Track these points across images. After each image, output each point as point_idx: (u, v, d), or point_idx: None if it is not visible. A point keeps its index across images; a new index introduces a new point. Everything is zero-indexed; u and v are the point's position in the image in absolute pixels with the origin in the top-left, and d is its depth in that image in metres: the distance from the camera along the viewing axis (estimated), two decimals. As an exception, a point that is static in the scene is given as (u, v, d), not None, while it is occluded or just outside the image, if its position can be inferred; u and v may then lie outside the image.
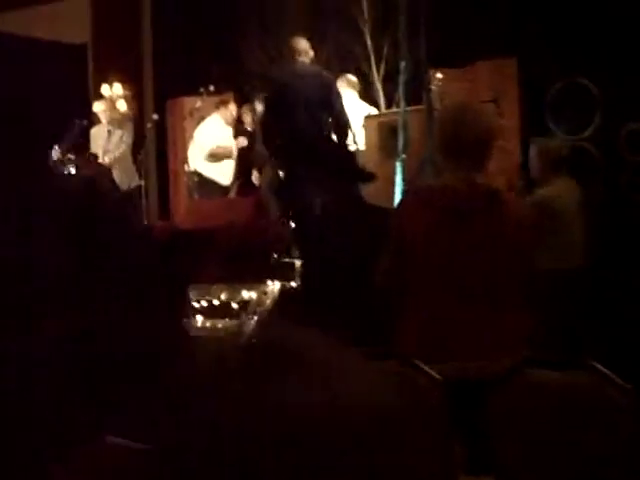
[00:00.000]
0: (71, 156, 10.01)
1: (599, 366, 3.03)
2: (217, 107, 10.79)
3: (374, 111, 10.12)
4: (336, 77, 9.48)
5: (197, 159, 10.62)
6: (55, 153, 10.11)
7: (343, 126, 8.15)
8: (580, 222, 6.25)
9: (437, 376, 3.39)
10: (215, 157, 10.60)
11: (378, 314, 4.57)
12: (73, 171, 9.58)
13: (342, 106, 8.14)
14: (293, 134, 7.82)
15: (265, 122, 8.40)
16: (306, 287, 5.36)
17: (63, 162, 9.87)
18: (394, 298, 3.80)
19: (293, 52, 8.18)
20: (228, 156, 10.68)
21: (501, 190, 4.17)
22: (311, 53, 8.32)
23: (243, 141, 10.78)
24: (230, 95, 11.48)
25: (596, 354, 3.19)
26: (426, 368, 3.39)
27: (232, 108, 10.87)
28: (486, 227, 3.65)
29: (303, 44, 8.25)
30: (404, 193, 4.00)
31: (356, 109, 9.88)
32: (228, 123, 10.83)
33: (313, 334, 1.06)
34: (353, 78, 10.16)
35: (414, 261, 3.68)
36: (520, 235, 3.71)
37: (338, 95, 8.19)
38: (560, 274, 5.81)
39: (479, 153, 3.76)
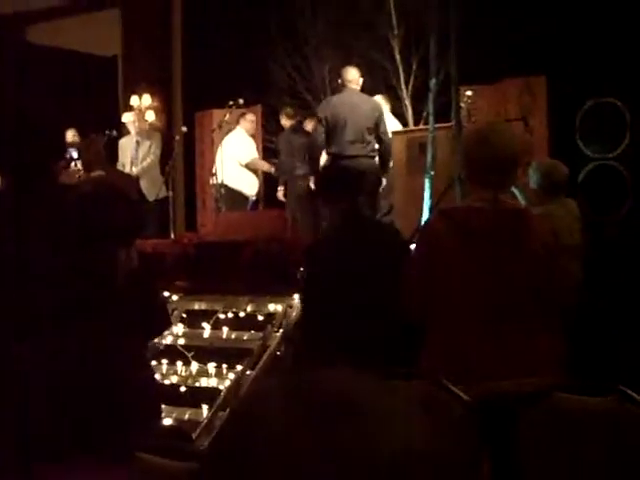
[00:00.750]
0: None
1: (629, 391, 3.02)
2: (237, 120, 10.87)
3: (399, 126, 10.16)
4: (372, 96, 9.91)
5: (223, 171, 10.67)
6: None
7: (387, 144, 8.95)
8: (577, 239, 6.21)
9: (465, 396, 3.39)
10: (250, 167, 10.67)
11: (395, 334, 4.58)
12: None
13: (385, 126, 8.99)
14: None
15: (314, 143, 9.09)
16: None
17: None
18: (420, 319, 3.80)
19: (344, 81, 8.99)
20: (260, 168, 10.74)
21: (526, 209, 4.18)
22: (360, 81, 9.06)
23: (264, 164, 10.93)
24: (257, 108, 11.56)
25: (626, 379, 3.18)
26: (454, 388, 3.39)
27: (251, 119, 10.93)
28: (513, 247, 3.65)
29: (354, 73, 9.03)
30: (431, 214, 4.01)
31: (391, 126, 9.98)
32: (250, 134, 10.90)
33: (362, 379, 1.07)
34: (384, 98, 10.24)
35: (442, 282, 3.67)
36: (547, 254, 3.71)
37: (383, 118, 9.00)
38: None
39: (505, 174, 3.76)
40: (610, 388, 3.09)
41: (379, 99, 9.90)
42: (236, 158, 10.73)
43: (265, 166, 11.17)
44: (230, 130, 11.01)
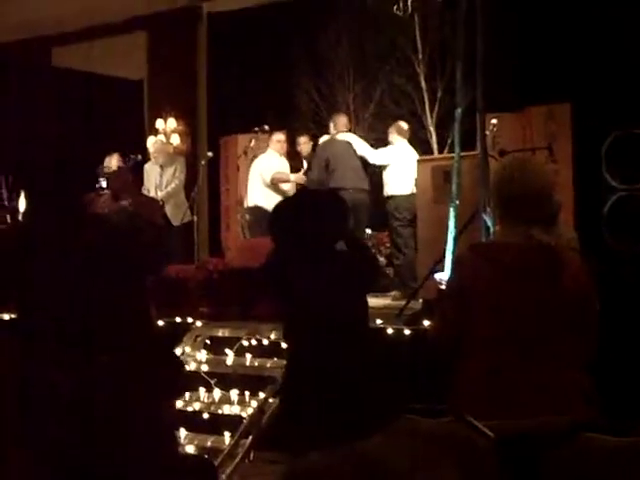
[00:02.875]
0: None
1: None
2: (269, 143, 10.84)
3: (415, 156, 10.17)
4: (388, 125, 10.71)
5: (255, 192, 10.64)
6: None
7: None
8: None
9: (490, 433, 3.37)
10: (275, 182, 10.63)
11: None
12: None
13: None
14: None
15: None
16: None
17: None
18: (449, 354, 3.78)
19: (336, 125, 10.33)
20: (286, 180, 10.70)
21: (558, 245, 4.16)
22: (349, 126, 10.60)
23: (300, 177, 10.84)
24: (283, 133, 11.56)
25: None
26: (479, 425, 3.37)
27: (278, 139, 10.88)
28: (546, 282, 3.64)
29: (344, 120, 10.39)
30: (458, 247, 3.95)
31: (407, 155, 10.02)
32: (282, 155, 10.86)
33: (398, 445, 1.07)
34: (404, 125, 10.29)
35: (474, 317, 3.67)
36: (579, 291, 3.69)
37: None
38: None
39: (536, 208, 3.76)
40: (635, 427, 3.07)
41: (401, 125, 10.14)
42: (265, 177, 10.67)
43: (292, 176, 10.99)
44: (256, 156, 11.01)
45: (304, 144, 11.04)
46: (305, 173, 10.74)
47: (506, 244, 3.73)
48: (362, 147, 10.20)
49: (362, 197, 9.95)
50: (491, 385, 3.61)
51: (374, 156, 10.18)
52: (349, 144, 10.19)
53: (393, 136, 10.23)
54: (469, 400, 3.60)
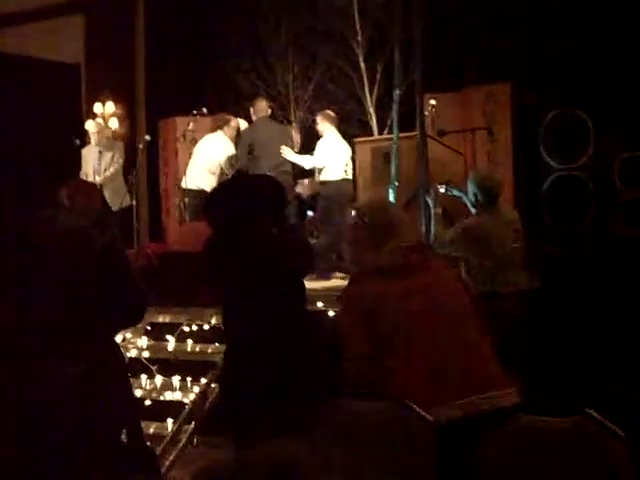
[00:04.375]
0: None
1: (595, 413, 3.01)
2: (220, 126, 10.63)
3: (346, 148, 10.07)
4: (315, 113, 10.65)
5: (197, 174, 10.49)
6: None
7: None
8: (510, 249, 6.23)
9: (428, 417, 3.38)
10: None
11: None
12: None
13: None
14: None
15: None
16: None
17: None
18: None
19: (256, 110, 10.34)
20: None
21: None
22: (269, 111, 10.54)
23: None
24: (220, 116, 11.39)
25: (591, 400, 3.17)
26: (418, 409, 3.38)
27: (235, 126, 10.72)
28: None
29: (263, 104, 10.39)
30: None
31: (335, 143, 9.96)
32: (232, 140, 10.65)
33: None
34: (332, 113, 10.15)
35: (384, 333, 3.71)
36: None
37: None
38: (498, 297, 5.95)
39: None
40: (575, 409, 3.09)
41: (328, 113, 10.14)
42: (215, 160, 10.48)
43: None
44: (195, 139, 10.88)
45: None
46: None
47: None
48: (296, 158, 10.01)
49: (285, 179, 9.70)
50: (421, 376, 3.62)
51: (310, 162, 9.94)
52: (273, 129, 10.23)
53: (324, 125, 9.99)
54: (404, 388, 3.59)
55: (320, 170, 9.85)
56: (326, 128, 9.92)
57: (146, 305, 3.87)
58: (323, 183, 9.82)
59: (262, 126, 10.14)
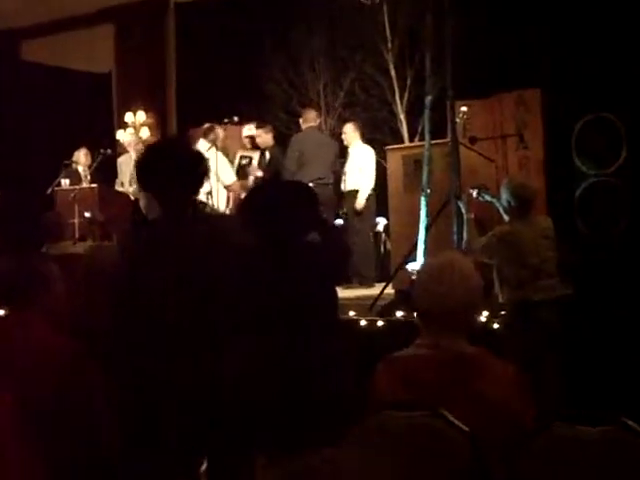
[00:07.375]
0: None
1: (630, 422, 2.99)
2: (205, 134, 10.57)
3: (371, 154, 10.23)
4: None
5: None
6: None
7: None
8: (545, 257, 6.18)
9: (465, 427, 3.34)
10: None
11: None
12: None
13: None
14: None
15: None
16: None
17: None
18: None
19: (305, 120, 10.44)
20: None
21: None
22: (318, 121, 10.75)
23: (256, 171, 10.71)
24: (252, 125, 11.40)
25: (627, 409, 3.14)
26: (454, 419, 3.34)
27: (219, 133, 10.61)
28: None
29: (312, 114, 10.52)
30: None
31: (364, 155, 10.19)
32: (215, 146, 10.47)
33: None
34: (356, 125, 10.41)
35: None
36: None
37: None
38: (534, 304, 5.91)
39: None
40: (611, 418, 3.06)
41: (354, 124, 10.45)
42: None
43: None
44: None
45: (265, 134, 10.86)
46: (268, 164, 10.64)
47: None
48: (363, 197, 10.15)
49: (327, 192, 9.89)
50: None
51: (370, 183, 10.17)
52: (322, 140, 10.40)
53: (355, 134, 10.26)
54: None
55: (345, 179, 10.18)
56: (353, 139, 10.11)
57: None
58: (349, 192, 10.15)
59: (311, 136, 10.30)
